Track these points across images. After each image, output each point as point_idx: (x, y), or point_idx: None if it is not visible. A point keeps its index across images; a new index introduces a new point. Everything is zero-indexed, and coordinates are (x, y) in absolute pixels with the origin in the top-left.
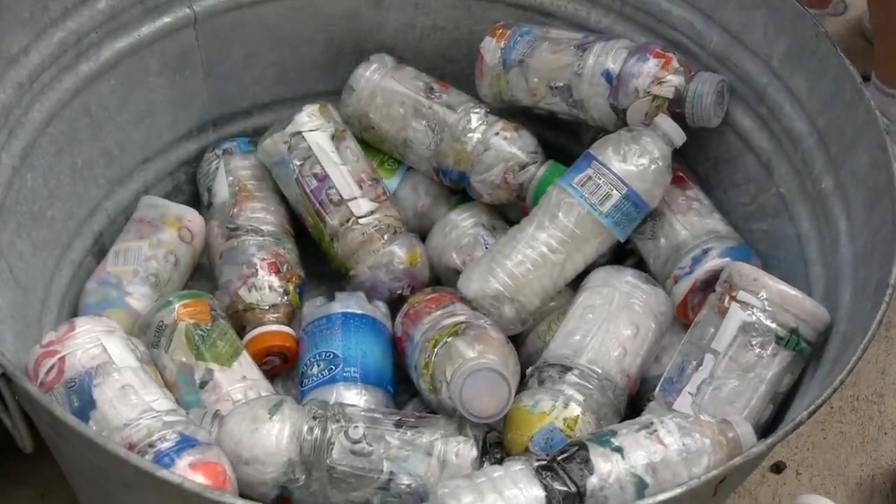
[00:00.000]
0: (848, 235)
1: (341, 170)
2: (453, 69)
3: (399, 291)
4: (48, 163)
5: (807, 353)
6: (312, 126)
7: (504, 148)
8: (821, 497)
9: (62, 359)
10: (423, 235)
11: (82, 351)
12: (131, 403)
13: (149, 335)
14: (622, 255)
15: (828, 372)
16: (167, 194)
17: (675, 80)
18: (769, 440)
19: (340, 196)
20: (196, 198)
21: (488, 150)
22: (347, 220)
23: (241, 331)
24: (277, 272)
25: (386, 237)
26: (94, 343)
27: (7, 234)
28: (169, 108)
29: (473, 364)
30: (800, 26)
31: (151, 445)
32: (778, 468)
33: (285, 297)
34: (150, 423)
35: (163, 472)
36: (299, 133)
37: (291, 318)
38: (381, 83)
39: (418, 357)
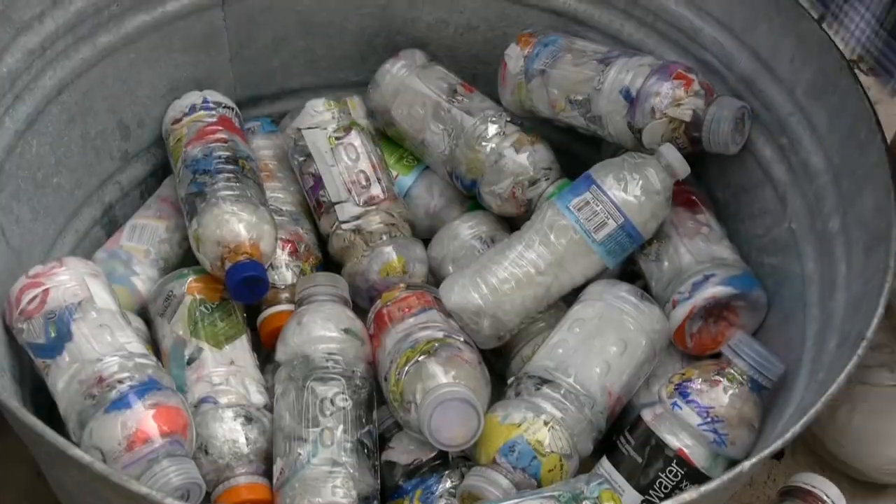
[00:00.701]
0: (845, 280)
1: (332, 171)
2: (485, 70)
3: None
4: (57, 130)
5: None
6: (312, 123)
7: (515, 161)
8: (816, 475)
9: (46, 290)
10: (433, 235)
11: (66, 287)
12: (106, 341)
13: (157, 304)
14: (631, 276)
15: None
16: None
17: (693, 102)
18: (703, 489)
19: (329, 199)
20: None
21: (500, 162)
22: (333, 224)
23: (258, 309)
24: (295, 252)
25: (370, 244)
26: (79, 281)
27: (4, 197)
28: (192, 86)
29: (444, 392)
30: (825, 58)
31: (120, 382)
32: (777, 455)
33: (301, 278)
34: (122, 362)
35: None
36: (299, 130)
37: None
38: (406, 81)
39: (389, 368)
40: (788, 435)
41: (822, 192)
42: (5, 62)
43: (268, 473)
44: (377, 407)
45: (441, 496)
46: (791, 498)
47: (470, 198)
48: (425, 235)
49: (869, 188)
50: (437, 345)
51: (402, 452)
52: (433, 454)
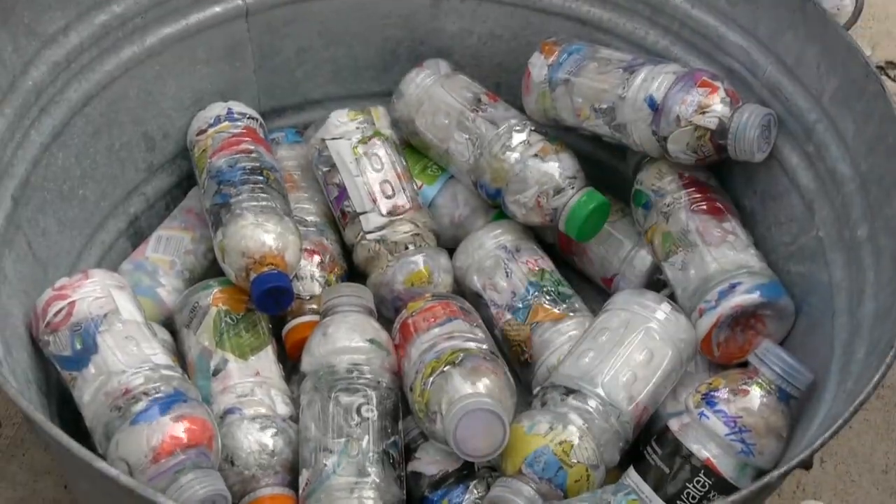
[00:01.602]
0: (874, 288)
1: (356, 182)
2: (509, 79)
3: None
4: (83, 142)
5: None
6: (336, 134)
7: (540, 170)
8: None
9: (72, 303)
10: (458, 245)
11: (92, 298)
12: (132, 353)
13: (183, 315)
14: (655, 286)
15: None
16: None
17: (719, 110)
18: (730, 498)
19: (354, 209)
20: None
21: (524, 171)
22: (358, 235)
23: (283, 320)
24: (320, 263)
25: (395, 254)
26: (105, 293)
27: (30, 210)
28: (217, 97)
29: (469, 403)
30: (852, 65)
31: (146, 394)
32: (806, 465)
33: (326, 288)
34: (147, 374)
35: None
36: (323, 140)
37: None
38: (430, 91)
39: (414, 379)
40: (817, 444)
41: (850, 199)
42: (31, 75)
43: (293, 484)
44: (403, 417)
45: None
46: None
47: (494, 207)
48: (450, 245)
49: None
50: (462, 355)
51: (428, 463)
52: (459, 465)
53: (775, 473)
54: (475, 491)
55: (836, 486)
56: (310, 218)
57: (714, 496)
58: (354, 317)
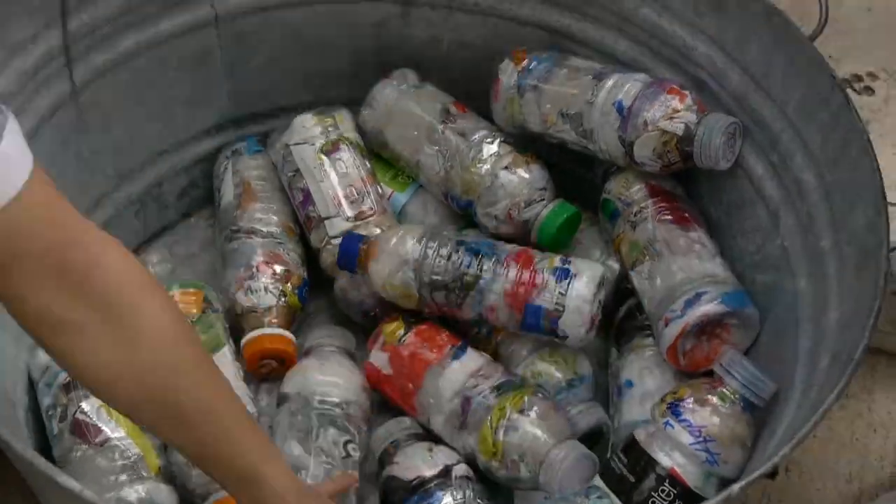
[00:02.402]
0: (837, 298)
1: (321, 186)
2: (478, 88)
3: (372, 312)
4: (51, 151)
5: None
6: (300, 139)
7: (511, 183)
8: None
9: None
10: None
11: None
12: None
13: None
14: (623, 294)
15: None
16: (182, 190)
17: (686, 116)
18: None
19: (319, 214)
20: (213, 194)
21: (495, 184)
22: (323, 239)
23: (241, 334)
24: (274, 274)
25: None
26: None
27: None
28: (186, 105)
29: (569, 459)
30: (817, 76)
31: None
32: (771, 474)
33: (283, 299)
34: None
35: None
36: (287, 146)
37: (291, 319)
38: (399, 103)
39: (467, 421)
40: (781, 453)
41: (814, 209)
42: None
43: None
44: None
45: None
46: None
47: (464, 217)
48: None
49: (860, 206)
50: (525, 399)
51: (405, 468)
52: (436, 471)
53: (736, 486)
54: (451, 497)
55: (801, 494)
56: (266, 229)
57: None
58: (348, 361)
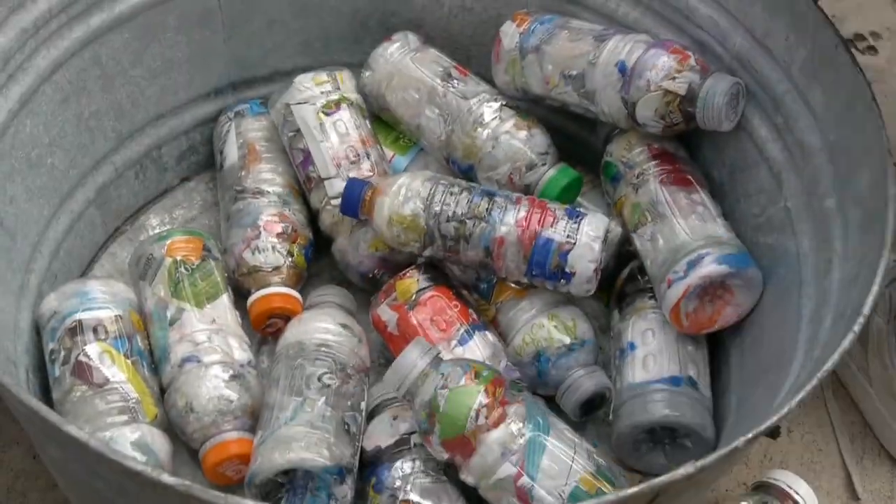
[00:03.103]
0: (841, 258)
1: (321, 147)
2: (480, 52)
3: (370, 274)
4: (51, 110)
5: None
6: (300, 98)
7: (513, 146)
8: (787, 472)
9: None
10: None
11: None
12: None
13: (139, 267)
14: (625, 258)
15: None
16: (181, 153)
17: (689, 76)
18: (699, 463)
19: (318, 174)
20: (212, 158)
21: (497, 147)
22: (323, 200)
23: (247, 294)
24: (281, 233)
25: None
26: None
27: None
28: (186, 67)
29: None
30: (821, 36)
31: None
32: (773, 434)
33: (289, 259)
34: None
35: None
36: (288, 105)
37: (298, 279)
38: (399, 65)
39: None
40: (783, 411)
41: (818, 170)
42: None
43: (254, 429)
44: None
45: (394, 482)
46: (762, 493)
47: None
48: None
49: (865, 166)
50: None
51: (367, 439)
52: (393, 440)
53: (742, 439)
54: (401, 470)
55: (803, 455)
56: (271, 189)
57: None
58: (331, 308)
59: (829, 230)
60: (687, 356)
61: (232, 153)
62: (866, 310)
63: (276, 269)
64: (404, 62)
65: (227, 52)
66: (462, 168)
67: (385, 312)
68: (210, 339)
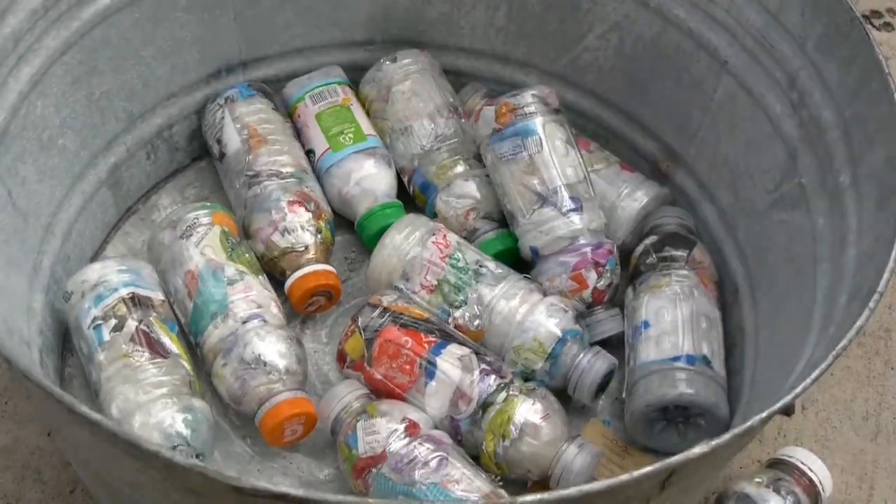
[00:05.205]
0: (856, 235)
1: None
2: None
3: None
4: (62, 91)
5: None
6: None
7: (483, 190)
8: (802, 449)
9: None
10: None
11: None
12: None
13: (178, 228)
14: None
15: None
16: (192, 133)
17: (576, 306)
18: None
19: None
20: None
21: (468, 182)
22: None
23: (280, 276)
24: (308, 211)
25: None
26: None
27: (9, 159)
28: (196, 46)
29: (584, 469)
30: (836, 11)
31: None
32: (787, 411)
33: (318, 236)
34: None
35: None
36: None
37: (328, 254)
38: (421, 73)
39: (467, 445)
40: (798, 389)
41: (833, 146)
42: (8, 22)
43: None
44: None
45: None
46: (776, 469)
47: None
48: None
49: (880, 141)
50: (511, 425)
51: None
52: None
53: (757, 418)
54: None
55: (817, 432)
56: (286, 170)
57: None
58: None
59: (843, 207)
60: (701, 334)
61: (233, 139)
62: (882, 287)
63: (308, 247)
64: (425, 74)
65: (237, 31)
66: (420, 183)
67: (353, 375)
68: (270, 306)
